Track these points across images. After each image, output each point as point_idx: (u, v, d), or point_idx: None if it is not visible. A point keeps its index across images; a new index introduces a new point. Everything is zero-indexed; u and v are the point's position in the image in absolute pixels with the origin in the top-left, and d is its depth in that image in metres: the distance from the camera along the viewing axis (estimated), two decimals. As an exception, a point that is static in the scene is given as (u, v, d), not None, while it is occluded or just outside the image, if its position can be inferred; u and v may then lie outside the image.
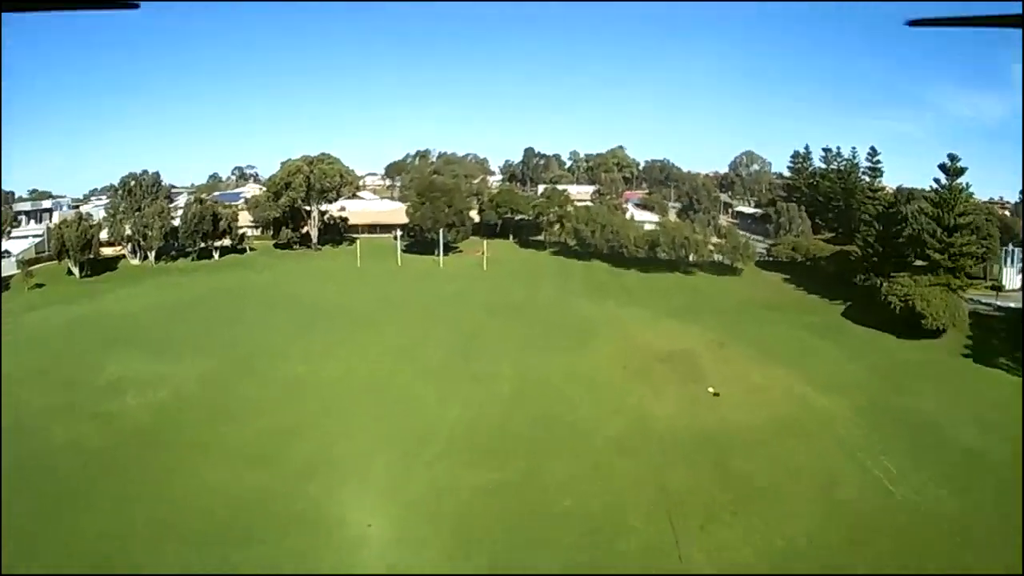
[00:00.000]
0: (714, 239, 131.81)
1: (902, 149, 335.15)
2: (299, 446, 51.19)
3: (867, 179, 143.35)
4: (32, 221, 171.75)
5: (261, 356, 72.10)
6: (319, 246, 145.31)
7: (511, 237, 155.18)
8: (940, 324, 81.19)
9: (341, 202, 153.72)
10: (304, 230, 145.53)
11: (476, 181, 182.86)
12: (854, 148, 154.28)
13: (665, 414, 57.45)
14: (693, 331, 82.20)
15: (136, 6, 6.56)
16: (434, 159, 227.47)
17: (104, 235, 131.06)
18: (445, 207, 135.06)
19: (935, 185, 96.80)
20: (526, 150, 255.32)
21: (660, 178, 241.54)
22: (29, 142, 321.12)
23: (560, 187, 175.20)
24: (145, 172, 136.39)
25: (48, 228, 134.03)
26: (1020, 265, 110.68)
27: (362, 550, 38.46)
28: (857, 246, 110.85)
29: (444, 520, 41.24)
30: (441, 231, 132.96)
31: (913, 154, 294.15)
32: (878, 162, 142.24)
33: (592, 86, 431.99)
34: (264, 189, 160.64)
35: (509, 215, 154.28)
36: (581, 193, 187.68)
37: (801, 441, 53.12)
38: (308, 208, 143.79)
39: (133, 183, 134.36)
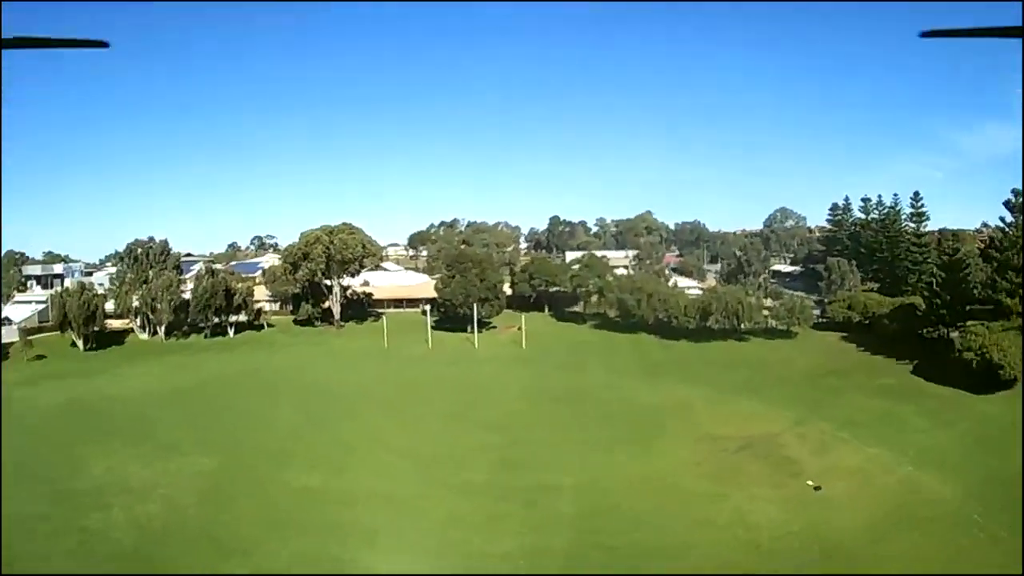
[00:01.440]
0: (767, 302, 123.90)
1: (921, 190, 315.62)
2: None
3: (912, 226, 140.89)
4: (39, 286, 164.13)
5: (267, 460, 60.49)
6: (341, 323, 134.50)
7: (546, 309, 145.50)
8: (1016, 373, 74.66)
9: (364, 275, 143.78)
10: (325, 305, 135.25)
11: (508, 250, 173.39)
12: (896, 195, 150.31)
13: (768, 522, 47.71)
14: (766, 410, 74.04)
15: (106, 46, 6.46)
16: (462, 228, 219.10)
17: (110, 306, 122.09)
18: (477, 280, 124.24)
19: (999, 223, 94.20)
20: (551, 218, 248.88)
21: (691, 239, 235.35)
22: (49, 204, 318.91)
23: (599, 253, 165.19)
24: (152, 239, 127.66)
25: (51, 295, 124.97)
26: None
27: None
28: (922, 297, 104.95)
29: None
30: (475, 306, 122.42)
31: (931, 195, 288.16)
32: (922, 207, 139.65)
33: (612, 152, 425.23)
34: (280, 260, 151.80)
35: (543, 286, 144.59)
36: (615, 259, 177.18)
37: (930, 537, 44.53)
38: (328, 282, 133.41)
39: (139, 250, 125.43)
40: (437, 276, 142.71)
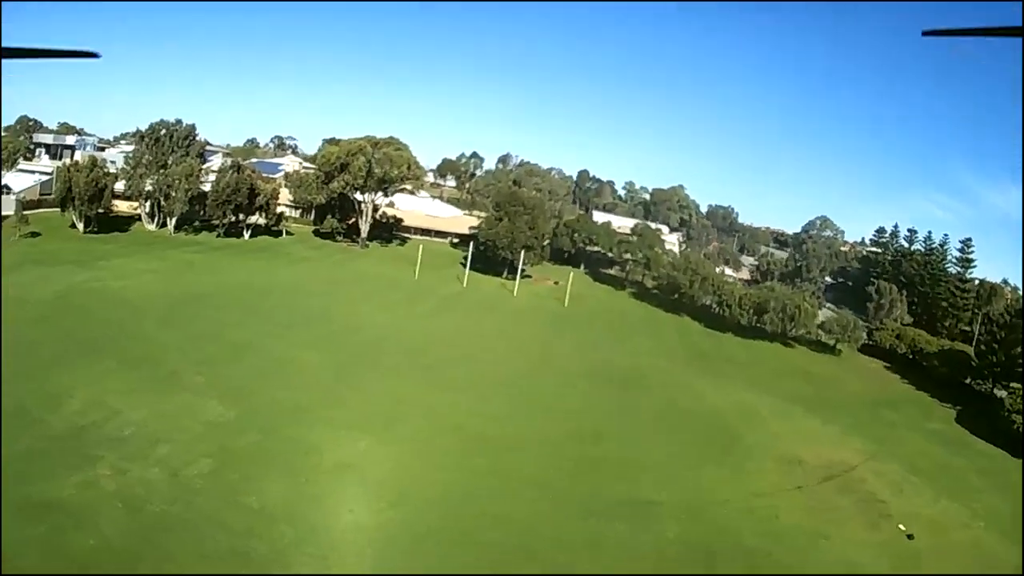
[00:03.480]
0: (820, 313, 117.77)
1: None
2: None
3: (958, 269, 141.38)
4: (48, 156, 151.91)
5: (290, 418, 48.46)
6: (367, 243, 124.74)
7: (582, 267, 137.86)
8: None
9: (391, 197, 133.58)
10: (351, 221, 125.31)
11: (560, 199, 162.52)
12: (946, 234, 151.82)
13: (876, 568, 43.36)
14: (835, 435, 68.11)
15: (97, 56, 6.42)
16: (513, 166, 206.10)
17: (120, 187, 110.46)
18: (526, 226, 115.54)
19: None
20: (580, 172, 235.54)
21: (723, 226, 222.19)
22: (71, 74, 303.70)
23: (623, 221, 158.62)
24: (179, 121, 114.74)
25: (58, 168, 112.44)
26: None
27: None
28: (972, 346, 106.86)
29: None
30: (522, 253, 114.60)
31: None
32: (971, 252, 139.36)
33: (653, 116, 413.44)
34: (303, 164, 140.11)
35: (584, 244, 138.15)
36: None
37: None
38: (360, 197, 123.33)
39: (163, 132, 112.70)
40: (477, 213, 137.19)
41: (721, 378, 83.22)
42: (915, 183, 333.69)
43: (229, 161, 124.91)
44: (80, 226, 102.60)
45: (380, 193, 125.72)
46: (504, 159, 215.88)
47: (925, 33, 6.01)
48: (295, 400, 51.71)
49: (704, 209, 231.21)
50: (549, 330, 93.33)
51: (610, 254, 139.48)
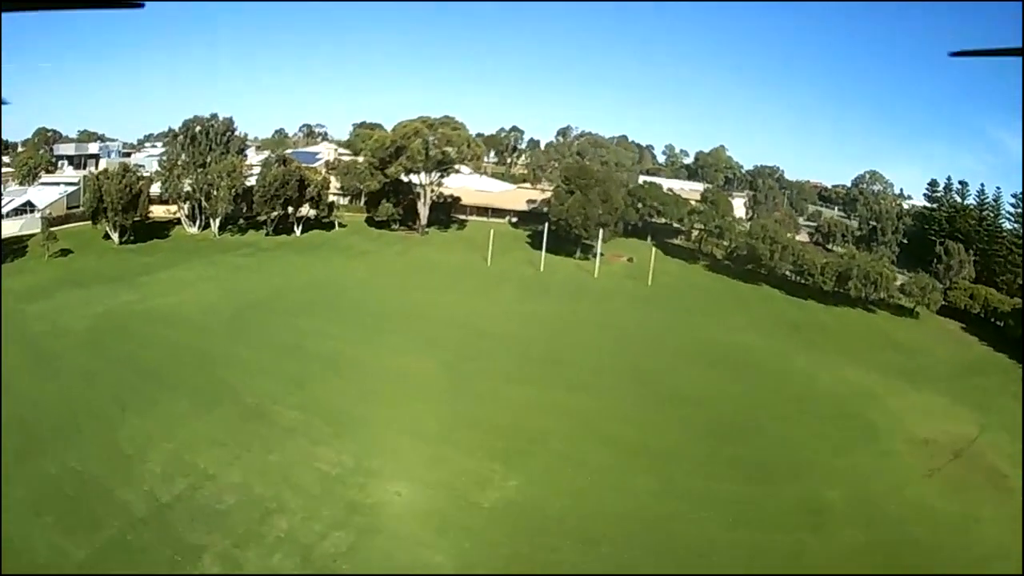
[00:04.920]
0: (899, 276, 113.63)
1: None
2: None
3: (1012, 225, 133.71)
4: (71, 167, 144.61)
5: (414, 447, 40.27)
6: (426, 229, 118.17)
7: (649, 238, 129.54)
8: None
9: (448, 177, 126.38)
10: (403, 204, 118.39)
11: (628, 170, 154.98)
12: (998, 188, 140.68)
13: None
14: (945, 407, 65.06)
15: (141, 6, 6.12)
16: (573, 138, 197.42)
17: (155, 190, 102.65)
18: (599, 201, 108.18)
19: None
20: (619, 138, 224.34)
21: (769, 185, 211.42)
22: (87, 81, 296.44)
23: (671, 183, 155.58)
24: (215, 116, 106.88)
25: (85, 177, 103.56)
26: None
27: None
28: None
29: None
30: (599, 231, 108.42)
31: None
32: None
33: (687, 77, 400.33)
34: (338, 150, 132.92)
35: (651, 215, 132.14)
36: (685, 190, 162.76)
37: None
38: (417, 181, 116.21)
39: (199, 129, 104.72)
40: (541, 187, 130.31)
41: (820, 352, 79.92)
42: (943, 132, 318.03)
43: (274, 155, 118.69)
44: (115, 237, 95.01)
45: (437, 174, 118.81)
46: (564, 132, 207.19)
47: (952, 54, 5.89)
48: (420, 427, 43.34)
49: (748, 168, 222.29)
50: (642, 312, 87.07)
51: (677, 224, 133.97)
